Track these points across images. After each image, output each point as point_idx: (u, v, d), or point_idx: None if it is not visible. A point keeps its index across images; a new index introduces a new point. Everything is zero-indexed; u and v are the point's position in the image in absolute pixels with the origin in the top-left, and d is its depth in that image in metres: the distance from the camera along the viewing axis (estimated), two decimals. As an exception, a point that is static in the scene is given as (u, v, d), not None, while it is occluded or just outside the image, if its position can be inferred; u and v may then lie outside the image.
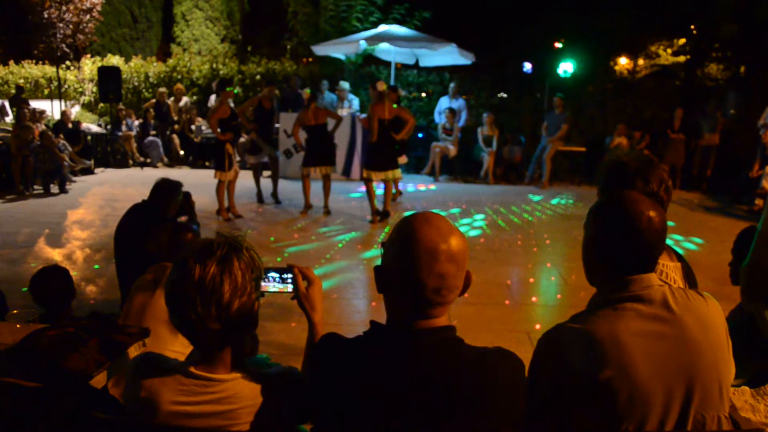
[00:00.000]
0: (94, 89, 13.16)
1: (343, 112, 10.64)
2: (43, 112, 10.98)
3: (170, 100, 12.45)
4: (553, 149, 10.86)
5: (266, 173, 9.05)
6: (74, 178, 10.16)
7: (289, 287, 1.61)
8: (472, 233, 7.21)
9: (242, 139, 12.04)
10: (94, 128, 12.23)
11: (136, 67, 13.45)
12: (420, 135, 12.31)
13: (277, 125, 10.82)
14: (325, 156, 7.87)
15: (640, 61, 15.73)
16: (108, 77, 11.57)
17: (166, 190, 3.96)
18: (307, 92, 8.15)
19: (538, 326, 4.35)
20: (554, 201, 9.55)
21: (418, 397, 1.25)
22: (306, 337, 1.67)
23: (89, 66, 13.58)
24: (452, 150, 11.20)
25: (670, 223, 1.68)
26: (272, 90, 8.23)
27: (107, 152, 12.13)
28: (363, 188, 8.10)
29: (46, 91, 13.72)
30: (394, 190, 8.20)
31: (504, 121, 12.25)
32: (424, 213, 1.33)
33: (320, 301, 1.62)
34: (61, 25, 13.50)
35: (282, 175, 9.13)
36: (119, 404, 1.79)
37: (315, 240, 6.74)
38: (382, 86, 7.56)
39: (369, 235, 7.05)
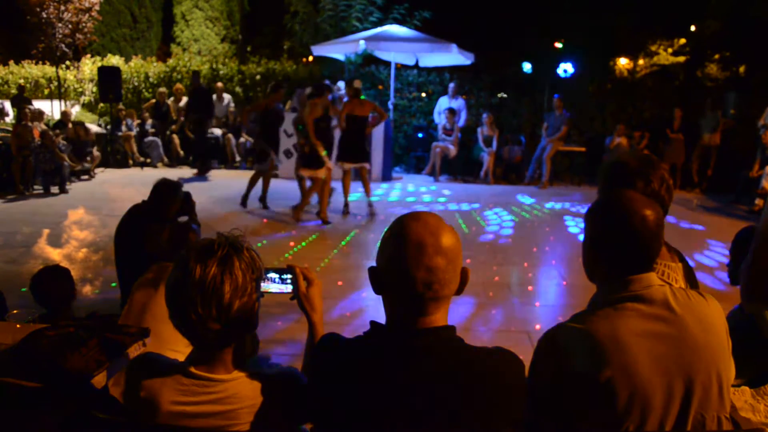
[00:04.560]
0: (94, 89, 13.16)
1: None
2: (41, 112, 10.97)
3: (170, 100, 12.45)
4: (553, 149, 10.86)
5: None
6: (74, 178, 10.16)
7: (289, 287, 1.61)
8: (472, 233, 7.21)
9: (242, 139, 12.06)
10: (94, 128, 12.23)
11: (136, 67, 13.45)
12: (420, 135, 12.32)
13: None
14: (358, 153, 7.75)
15: (640, 61, 15.75)
16: (108, 77, 11.56)
17: (166, 190, 3.95)
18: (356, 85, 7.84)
19: (538, 326, 4.35)
20: (554, 201, 9.55)
21: (418, 398, 1.25)
22: (306, 337, 1.67)
23: (89, 66, 13.58)
24: (452, 150, 11.20)
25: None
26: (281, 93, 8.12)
27: (107, 152, 12.13)
28: (362, 188, 8.08)
29: (46, 91, 13.72)
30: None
31: (504, 121, 12.26)
32: (414, 211, 1.35)
33: (320, 302, 1.62)
34: (59, 24, 13.50)
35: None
36: (119, 404, 1.79)
37: (315, 240, 6.74)
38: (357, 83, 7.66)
39: (369, 234, 7.05)
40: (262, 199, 8.18)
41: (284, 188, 9.08)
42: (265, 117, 8.00)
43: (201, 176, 10.76)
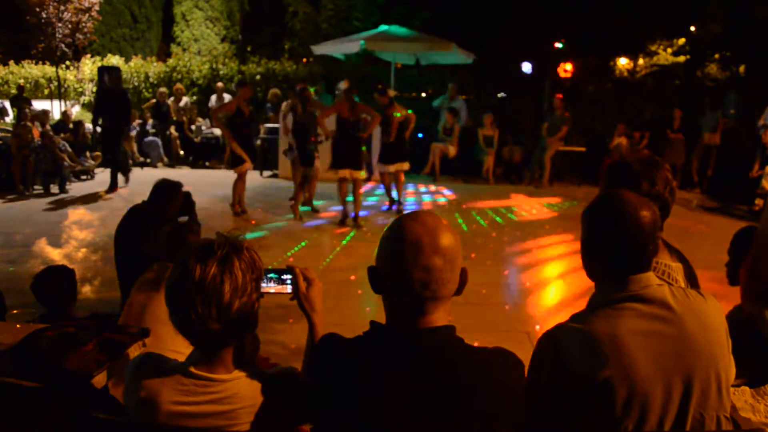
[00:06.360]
0: (94, 89, 13.16)
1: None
2: (46, 113, 10.92)
3: (170, 100, 12.44)
4: (552, 149, 10.85)
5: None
6: (73, 178, 10.16)
7: (289, 288, 1.61)
8: (472, 233, 7.20)
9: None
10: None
11: (136, 67, 13.45)
12: (420, 135, 12.30)
13: (275, 125, 10.81)
14: (401, 154, 8.00)
15: (640, 61, 15.74)
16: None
17: (165, 190, 3.95)
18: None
19: (538, 326, 4.35)
20: (553, 201, 9.55)
21: (418, 398, 1.25)
22: (306, 337, 1.67)
23: (89, 66, 13.58)
24: (452, 150, 11.19)
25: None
26: (248, 91, 7.79)
27: (107, 152, 12.11)
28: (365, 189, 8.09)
29: (46, 91, 13.73)
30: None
31: (504, 121, 12.25)
32: (413, 211, 1.35)
33: (320, 302, 1.62)
34: (59, 24, 13.50)
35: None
36: (119, 404, 1.79)
37: (315, 240, 6.75)
38: (345, 84, 7.63)
39: (369, 235, 7.05)
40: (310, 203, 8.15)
41: (284, 187, 9.09)
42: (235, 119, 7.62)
43: (111, 191, 9.21)
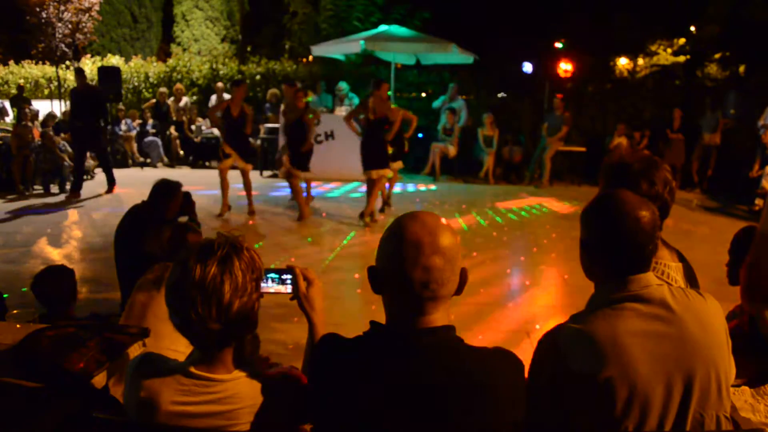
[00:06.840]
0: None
1: (343, 112, 10.62)
2: (54, 116, 10.90)
3: (170, 100, 12.45)
4: (552, 149, 10.86)
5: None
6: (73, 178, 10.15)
7: (288, 288, 1.61)
8: (472, 233, 7.20)
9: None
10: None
11: (136, 67, 13.45)
12: (420, 135, 12.30)
13: (274, 125, 10.81)
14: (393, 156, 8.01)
15: (640, 61, 15.74)
16: (108, 77, 11.54)
17: (165, 190, 3.95)
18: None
19: (538, 326, 4.35)
20: (554, 201, 9.55)
21: (418, 398, 1.25)
22: (306, 337, 1.67)
23: (89, 66, 13.57)
24: (452, 150, 11.20)
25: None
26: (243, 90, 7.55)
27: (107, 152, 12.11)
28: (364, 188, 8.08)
29: (46, 91, 13.72)
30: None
31: (504, 121, 12.25)
32: (413, 211, 1.35)
33: (320, 302, 1.62)
34: (59, 24, 13.50)
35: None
36: (119, 404, 1.79)
37: (315, 240, 6.74)
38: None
39: (369, 234, 7.05)
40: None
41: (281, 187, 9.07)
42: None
43: (109, 190, 9.22)
